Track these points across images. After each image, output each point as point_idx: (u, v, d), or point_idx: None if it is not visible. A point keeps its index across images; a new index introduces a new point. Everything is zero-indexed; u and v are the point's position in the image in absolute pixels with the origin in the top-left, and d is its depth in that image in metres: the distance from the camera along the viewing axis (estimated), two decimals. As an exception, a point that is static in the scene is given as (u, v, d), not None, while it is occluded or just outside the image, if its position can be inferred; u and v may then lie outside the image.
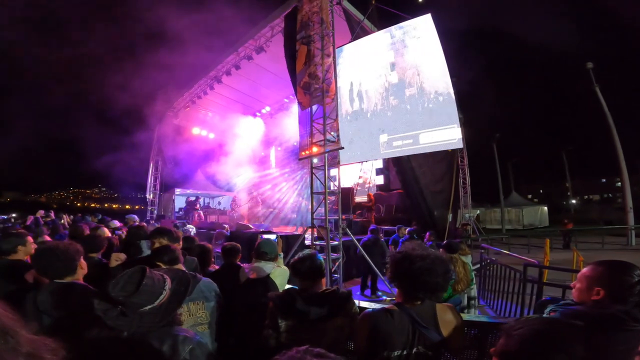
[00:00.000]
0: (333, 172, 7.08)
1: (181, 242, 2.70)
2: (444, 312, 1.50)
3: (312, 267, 1.85)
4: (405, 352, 1.42)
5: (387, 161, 13.24)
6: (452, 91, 7.24)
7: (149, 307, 1.15)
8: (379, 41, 8.46)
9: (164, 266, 1.94)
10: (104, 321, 1.13)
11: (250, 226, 8.99)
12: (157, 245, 2.36)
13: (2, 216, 8.42)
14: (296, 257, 1.91)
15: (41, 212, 8.28)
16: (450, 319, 1.49)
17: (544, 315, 1.49)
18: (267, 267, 2.40)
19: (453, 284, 4.06)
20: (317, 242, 6.26)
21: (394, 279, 1.55)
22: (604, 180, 47.60)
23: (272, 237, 2.93)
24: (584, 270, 1.48)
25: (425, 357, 1.43)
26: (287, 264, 2.45)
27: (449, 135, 7.20)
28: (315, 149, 6.42)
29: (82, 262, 1.86)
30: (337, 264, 5.98)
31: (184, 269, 1.93)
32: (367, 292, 6.68)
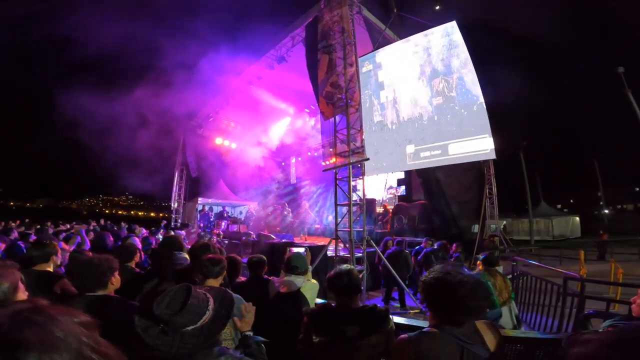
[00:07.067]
0: (355, 182, 7.00)
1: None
2: (485, 328, 1.43)
3: (349, 282, 1.80)
4: None
5: (409, 171, 13.01)
6: (482, 99, 6.98)
7: (191, 327, 1.12)
8: (402, 50, 8.34)
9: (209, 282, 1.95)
10: (142, 338, 1.11)
11: (272, 236, 8.98)
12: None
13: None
14: (332, 272, 1.87)
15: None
16: (491, 334, 1.41)
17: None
18: (297, 281, 2.39)
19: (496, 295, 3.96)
20: (341, 254, 6.19)
21: (432, 306, 1.46)
22: (638, 189, 45.28)
23: (301, 250, 2.91)
24: None
25: None
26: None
27: (480, 145, 6.92)
28: (339, 160, 6.38)
29: (116, 278, 1.85)
30: (360, 275, 5.89)
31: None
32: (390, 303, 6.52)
